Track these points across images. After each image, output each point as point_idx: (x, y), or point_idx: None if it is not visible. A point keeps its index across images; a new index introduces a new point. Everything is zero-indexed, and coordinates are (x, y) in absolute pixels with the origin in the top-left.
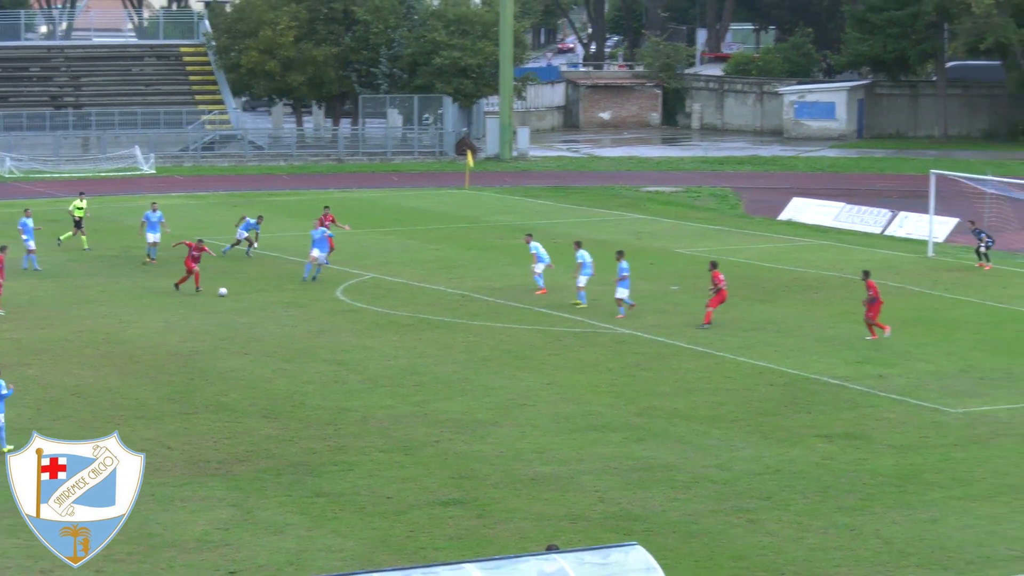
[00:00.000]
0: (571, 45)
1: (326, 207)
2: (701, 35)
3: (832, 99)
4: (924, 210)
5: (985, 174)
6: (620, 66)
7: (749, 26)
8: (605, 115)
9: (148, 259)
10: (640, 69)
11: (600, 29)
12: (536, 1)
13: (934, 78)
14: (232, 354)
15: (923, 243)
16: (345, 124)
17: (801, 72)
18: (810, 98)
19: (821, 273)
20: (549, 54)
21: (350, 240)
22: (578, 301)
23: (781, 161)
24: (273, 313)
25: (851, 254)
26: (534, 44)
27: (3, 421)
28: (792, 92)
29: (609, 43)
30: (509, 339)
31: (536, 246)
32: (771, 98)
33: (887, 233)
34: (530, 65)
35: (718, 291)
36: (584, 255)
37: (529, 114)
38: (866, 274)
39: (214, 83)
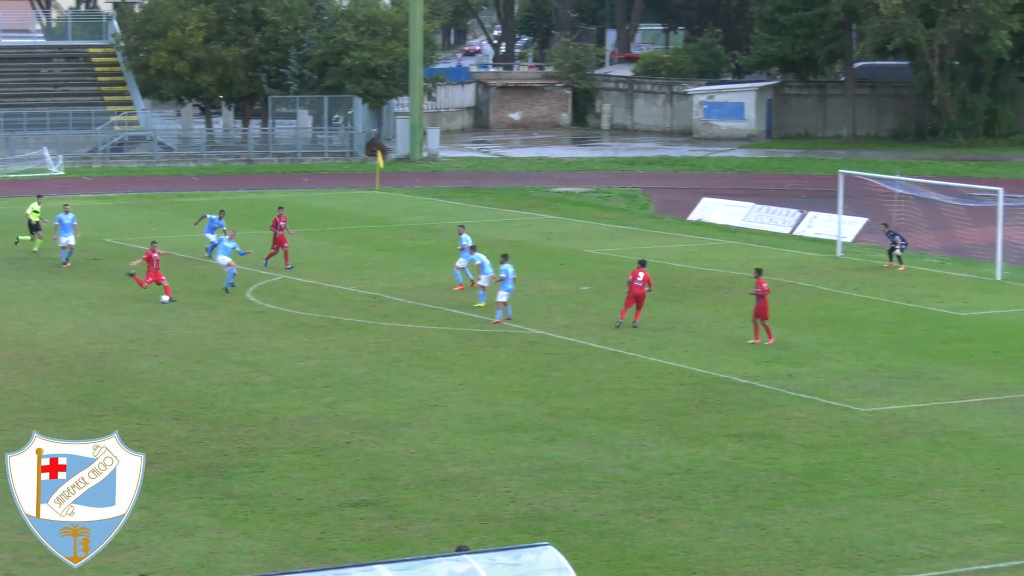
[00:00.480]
0: (477, 48)
1: (280, 208)
2: (611, 36)
3: (741, 99)
4: (833, 210)
5: (894, 174)
6: (530, 67)
7: (658, 27)
8: (515, 116)
9: (64, 263)
10: (550, 70)
11: (510, 30)
12: (446, 1)
13: (842, 78)
14: (142, 356)
15: (832, 243)
16: (255, 125)
17: (710, 73)
18: (719, 98)
19: (731, 273)
20: (459, 55)
21: (260, 242)
22: (480, 303)
23: (691, 161)
24: (183, 315)
25: (760, 254)
26: (444, 45)
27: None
28: (701, 93)
29: (519, 44)
30: (420, 340)
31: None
32: (680, 99)
33: (796, 233)
34: (440, 66)
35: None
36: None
37: (439, 115)
38: (758, 272)
39: (123, 84)
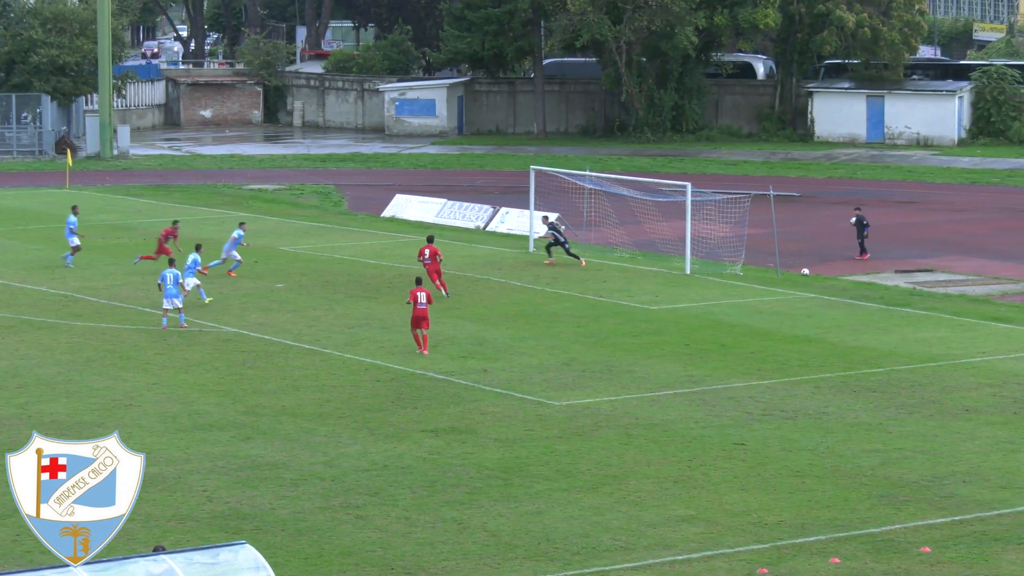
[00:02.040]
0: (155, 50)
1: (176, 221)
2: (301, 32)
3: (432, 96)
4: (525, 205)
5: (584, 169)
6: (220, 64)
7: (348, 24)
8: (206, 113)
9: None
10: (241, 67)
11: (199, 26)
12: None
13: (532, 75)
14: None
15: (524, 238)
16: None
17: (401, 69)
18: (410, 95)
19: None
20: (158, 46)
21: None
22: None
23: (383, 158)
24: None
25: (454, 250)
26: (133, 42)
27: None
28: (393, 89)
29: (209, 40)
30: (113, 339)
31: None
32: (372, 95)
33: (489, 229)
34: (129, 63)
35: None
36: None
37: (130, 112)
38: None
39: None
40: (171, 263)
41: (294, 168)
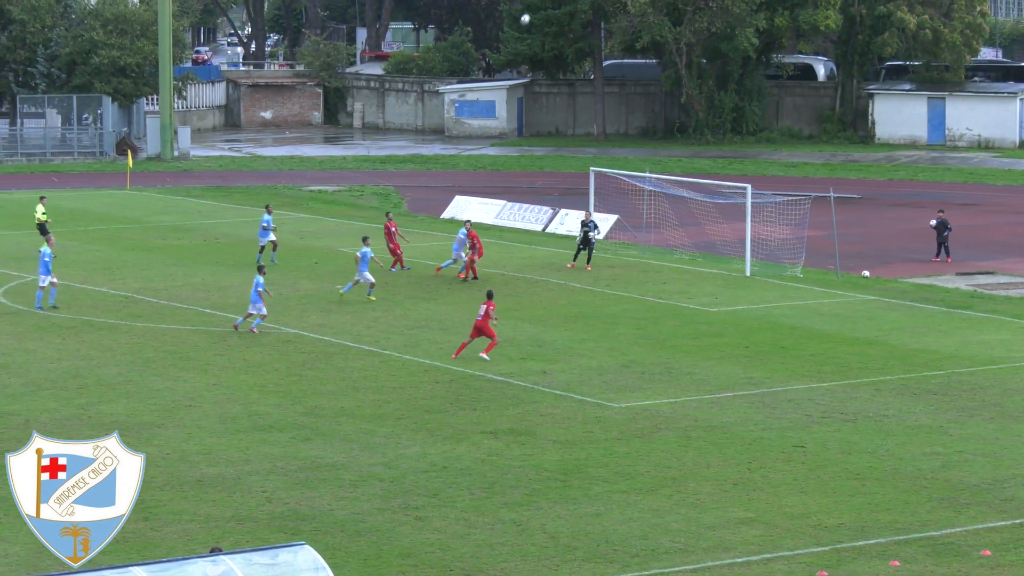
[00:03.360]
0: (204, 56)
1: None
2: (361, 34)
3: (492, 98)
4: (584, 207)
5: (644, 171)
6: (281, 65)
7: (408, 25)
8: (267, 114)
9: None
10: (301, 68)
11: (260, 28)
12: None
13: (591, 77)
14: None
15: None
16: (2, 125)
17: (461, 71)
18: (470, 97)
19: (484, 270)
20: (209, 53)
21: (7, 242)
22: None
23: (443, 159)
24: None
25: (513, 251)
26: (194, 43)
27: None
28: (452, 91)
29: (269, 42)
30: (173, 340)
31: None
32: (432, 97)
33: (548, 230)
34: (190, 64)
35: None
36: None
37: (190, 113)
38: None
39: None
40: (260, 270)
41: (354, 169)
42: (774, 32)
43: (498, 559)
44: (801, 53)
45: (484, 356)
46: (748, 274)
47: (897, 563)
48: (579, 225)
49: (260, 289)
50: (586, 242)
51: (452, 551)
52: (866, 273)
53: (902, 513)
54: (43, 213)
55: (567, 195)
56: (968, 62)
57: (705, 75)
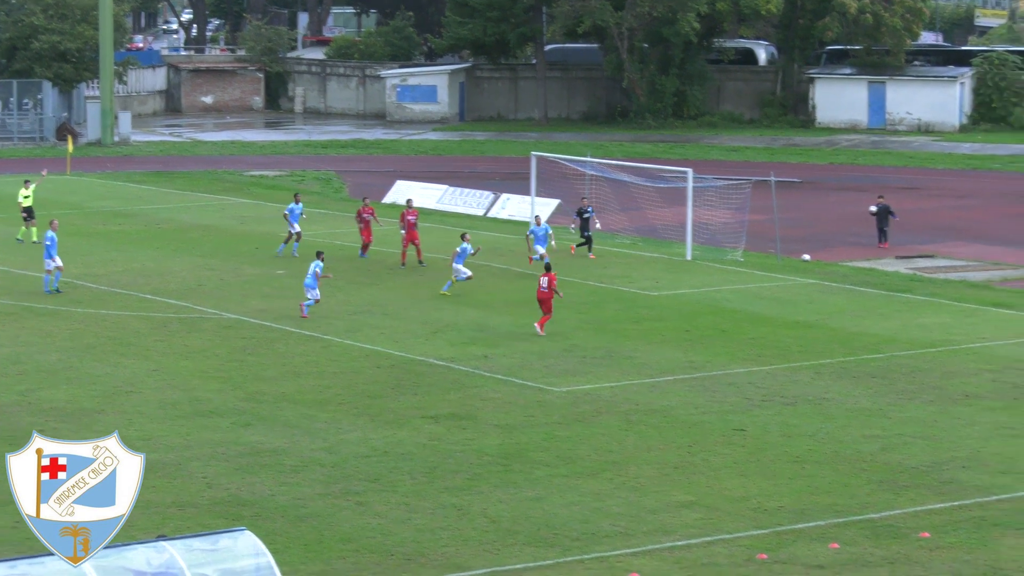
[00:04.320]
0: (139, 45)
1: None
2: (302, 19)
3: (434, 82)
4: (526, 192)
5: (585, 155)
6: (222, 50)
7: (350, 10)
8: (208, 99)
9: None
10: (242, 53)
11: (201, 12)
12: None
13: (534, 61)
14: None
15: (525, 224)
16: None
17: (403, 56)
18: (412, 81)
19: (427, 255)
20: (150, 38)
21: None
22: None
23: (384, 144)
24: None
25: (455, 236)
26: (135, 28)
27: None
28: (394, 76)
29: (210, 27)
30: (114, 326)
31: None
32: (373, 82)
33: (490, 215)
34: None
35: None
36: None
37: (131, 99)
38: (547, 267)
39: None
40: (319, 255)
41: (295, 154)
42: (715, 17)
43: (439, 543)
44: (742, 38)
45: (539, 330)
46: (689, 258)
47: (836, 545)
48: (575, 213)
49: (318, 271)
50: (587, 227)
51: (393, 536)
52: (806, 257)
53: (842, 496)
54: (26, 197)
55: (509, 180)
56: (908, 46)
57: (647, 60)
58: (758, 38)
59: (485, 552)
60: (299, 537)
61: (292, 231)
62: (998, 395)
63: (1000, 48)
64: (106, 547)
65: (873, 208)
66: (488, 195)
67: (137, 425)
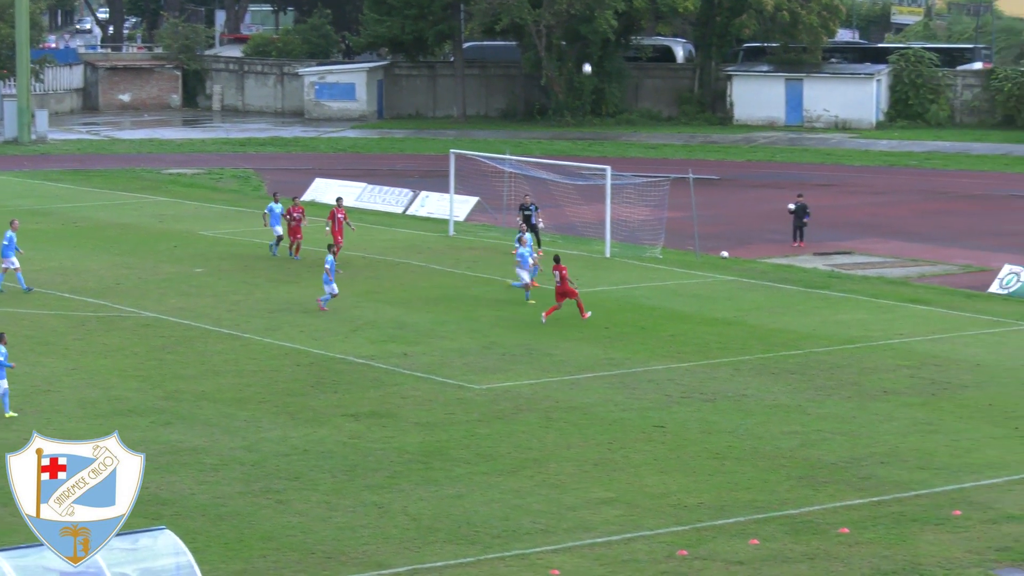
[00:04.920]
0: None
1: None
2: (220, 16)
3: (352, 80)
4: (445, 189)
5: (504, 153)
6: (139, 48)
7: (268, 7)
8: (125, 97)
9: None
10: (159, 51)
11: (118, 10)
12: None
13: (452, 59)
14: None
15: (444, 222)
16: None
17: (321, 53)
18: (330, 79)
19: (345, 253)
20: (67, 35)
21: None
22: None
23: (303, 142)
24: None
25: (374, 234)
26: (52, 26)
27: (7, 387)
28: (312, 73)
29: (128, 24)
30: (31, 325)
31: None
32: (292, 79)
33: (409, 213)
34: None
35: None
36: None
37: (48, 96)
38: (556, 259)
39: None
40: (330, 248)
41: (213, 152)
42: (633, 14)
43: (360, 541)
44: (660, 35)
45: (586, 315)
46: (608, 255)
47: (756, 541)
48: (519, 209)
49: (328, 267)
50: (529, 226)
51: (314, 534)
52: (725, 254)
53: (761, 492)
54: None
55: (427, 177)
56: (825, 43)
57: (565, 57)
58: (676, 36)
59: (406, 550)
60: (219, 536)
61: (276, 232)
62: (916, 391)
63: (916, 45)
64: (25, 546)
65: (791, 206)
66: (407, 193)
67: (56, 424)
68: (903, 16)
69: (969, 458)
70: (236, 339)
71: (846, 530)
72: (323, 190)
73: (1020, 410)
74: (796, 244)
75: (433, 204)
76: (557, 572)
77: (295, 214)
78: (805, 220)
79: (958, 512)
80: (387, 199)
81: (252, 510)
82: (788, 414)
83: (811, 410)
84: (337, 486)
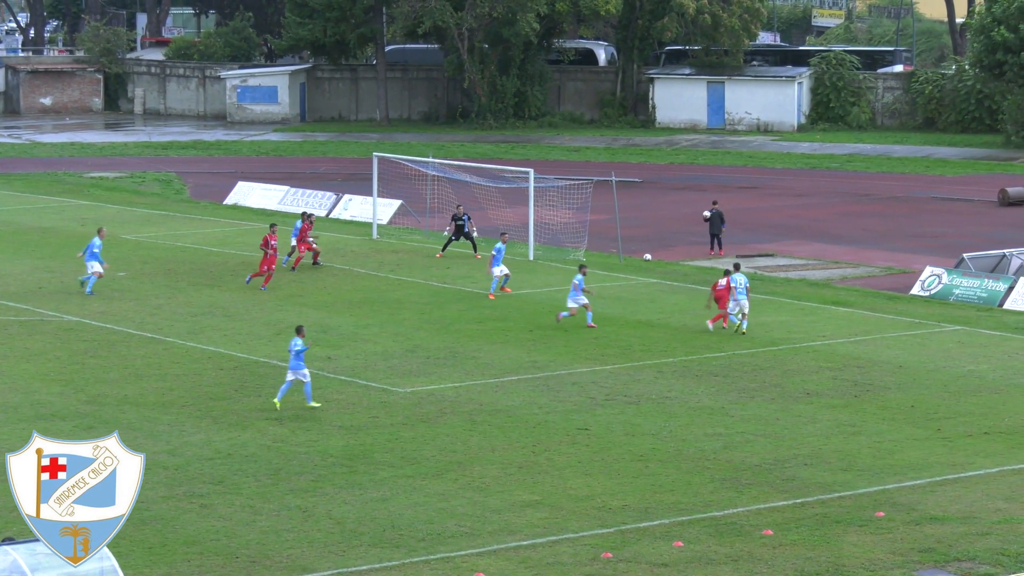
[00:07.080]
0: None
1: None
2: (141, 19)
3: (274, 83)
4: (368, 192)
5: (427, 156)
6: (60, 51)
7: (189, 10)
8: (46, 100)
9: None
10: (81, 54)
11: (39, 13)
12: None
13: (374, 62)
14: None
15: (368, 225)
16: None
17: (243, 56)
18: (252, 82)
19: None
20: None
21: None
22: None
23: (225, 145)
24: None
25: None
26: None
27: (308, 378)
28: (234, 76)
29: (48, 27)
30: None
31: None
32: (214, 82)
33: (332, 216)
34: None
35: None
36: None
37: None
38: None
39: None
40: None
41: (135, 156)
42: (555, 17)
43: (284, 545)
44: (582, 38)
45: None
46: (531, 258)
47: (680, 544)
48: (450, 218)
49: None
50: (459, 234)
51: (238, 538)
52: (648, 256)
53: (685, 494)
54: None
55: (350, 180)
56: (747, 46)
57: (487, 60)
58: (598, 38)
59: (330, 554)
60: (142, 540)
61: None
62: (838, 393)
63: (838, 48)
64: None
65: (707, 213)
66: (330, 196)
67: None
68: (824, 19)
69: (892, 460)
70: (159, 343)
71: (770, 532)
72: (246, 193)
73: (942, 412)
74: (713, 253)
75: (356, 207)
76: (482, 575)
77: (272, 242)
78: (723, 227)
79: (881, 513)
80: (310, 202)
81: (175, 514)
82: (711, 416)
83: (734, 412)
84: (261, 490)
